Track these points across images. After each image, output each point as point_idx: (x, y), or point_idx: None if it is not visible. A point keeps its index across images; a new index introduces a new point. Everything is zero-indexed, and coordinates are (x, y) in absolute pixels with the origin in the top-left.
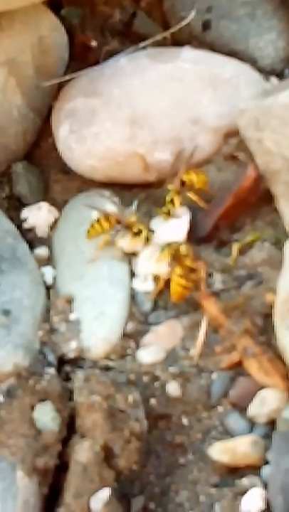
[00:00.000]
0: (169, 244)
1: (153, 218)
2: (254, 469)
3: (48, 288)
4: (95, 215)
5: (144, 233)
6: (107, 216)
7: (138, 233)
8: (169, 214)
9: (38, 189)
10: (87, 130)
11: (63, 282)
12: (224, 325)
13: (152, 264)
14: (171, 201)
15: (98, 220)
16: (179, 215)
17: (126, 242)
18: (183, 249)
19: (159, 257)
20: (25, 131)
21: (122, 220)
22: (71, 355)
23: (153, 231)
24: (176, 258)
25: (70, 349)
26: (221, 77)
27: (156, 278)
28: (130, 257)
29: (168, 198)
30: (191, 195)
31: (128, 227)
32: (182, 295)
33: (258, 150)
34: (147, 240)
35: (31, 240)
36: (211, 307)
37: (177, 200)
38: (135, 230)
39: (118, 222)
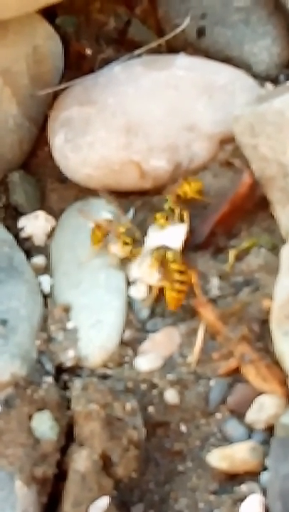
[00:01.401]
0: (156, 250)
1: (150, 225)
2: (253, 476)
3: (45, 297)
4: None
5: (130, 247)
6: (98, 225)
7: (127, 244)
8: (166, 221)
9: (35, 198)
10: (82, 139)
11: (60, 291)
12: (221, 332)
13: (145, 272)
14: (169, 209)
15: (93, 229)
16: (176, 223)
17: (118, 249)
18: (169, 255)
19: (150, 264)
20: (21, 141)
21: (112, 230)
22: (69, 363)
23: (144, 241)
24: (163, 264)
25: (68, 358)
26: (216, 83)
27: (150, 286)
28: (126, 264)
29: (166, 207)
30: (184, 213)
31: (117, 237)
32: (178, 300)
33: (254, 156)
34: (132, 251)
35: (28, 249)
36: (208, 314)
37: (176, 210)
38: (122, 242)
39: (109, 232)
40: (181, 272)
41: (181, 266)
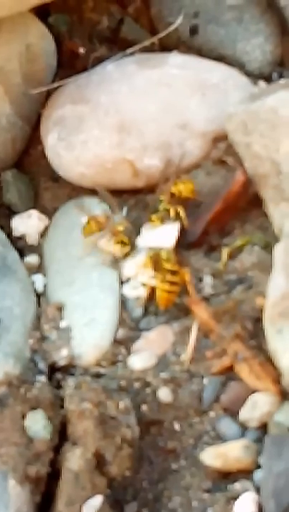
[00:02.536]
0: (150, 250)
1: (143, 224)
2: (246, 474)
3: (38, 296)
4: (84, 219)
5: (128, 246)
6: (94, 219)
7: (124, 243)
8: (161, 221)
9: (28, 197)
10: (76, 137)
11: (54, 290)
12: (215, 330)
13: (139, 271)
14: (164, 210)
15: (88, 222)
16: (169, 222)
17: (114, 248)
18: (163, 254)
19: (144, 263)
20: (14, 139)
21: (109, 227)
22: (62, 362)
23: (137, 240)
24: (156, 263)
25: (61, 357)
26: (209, 81)
27: (144, 284)
28: (120, 263)
29: (161, 207)
30: (180, 209)
31: (114, 234)
32: (169, 301)
33: (247, 154)
34: (131, 248)
35: (21, 248)
36: (202, 312)
37: (171, 210)
38: (119, 241)
39: (103, 229)
40: (173, 273)
41: (174, 266)
